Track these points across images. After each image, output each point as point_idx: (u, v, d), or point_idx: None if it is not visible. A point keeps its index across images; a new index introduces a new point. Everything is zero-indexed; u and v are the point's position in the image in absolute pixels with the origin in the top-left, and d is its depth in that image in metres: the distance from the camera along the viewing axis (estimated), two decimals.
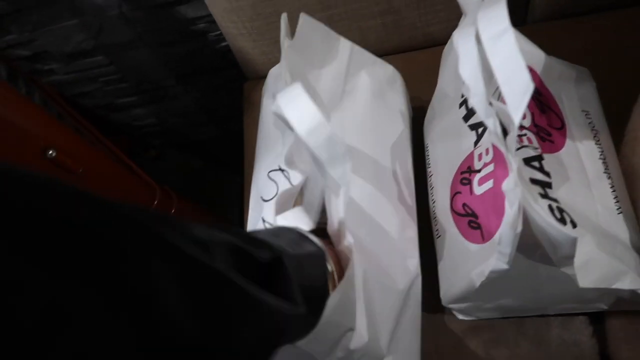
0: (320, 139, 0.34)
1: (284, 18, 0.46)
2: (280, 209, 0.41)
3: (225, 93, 1.11)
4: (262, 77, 0.77)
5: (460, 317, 0.53)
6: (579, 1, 0.66)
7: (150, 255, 0.20)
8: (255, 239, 0.29)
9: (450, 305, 0.52)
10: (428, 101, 0.60)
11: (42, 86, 1.02)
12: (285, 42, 0.44)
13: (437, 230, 0.52)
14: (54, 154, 0.56)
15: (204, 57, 1.00)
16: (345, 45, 0.55)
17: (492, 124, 0.34)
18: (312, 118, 0.34)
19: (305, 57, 0.49)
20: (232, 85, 1.09)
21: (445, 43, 0.57)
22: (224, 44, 0.96)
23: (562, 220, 0.40)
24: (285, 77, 0.41)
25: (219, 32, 0.92)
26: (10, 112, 0.53)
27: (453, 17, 0.68)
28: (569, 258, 0.36)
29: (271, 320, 0.26)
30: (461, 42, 0.34)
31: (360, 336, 0.38)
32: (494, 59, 0.32)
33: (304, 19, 0.49)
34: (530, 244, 0.40)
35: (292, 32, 0.49)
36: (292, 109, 0.34)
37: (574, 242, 0.34)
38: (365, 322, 0.38)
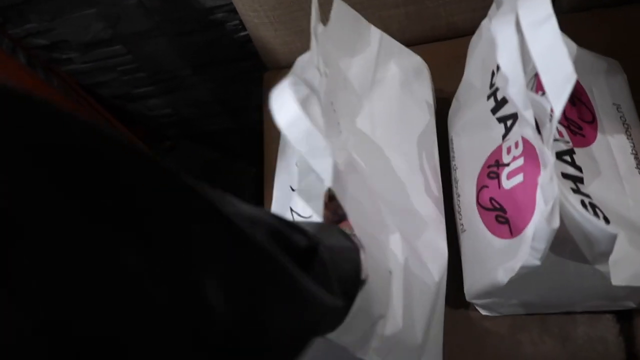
0: (299, 133, 0.33)
1: (315, 4, 0.45)
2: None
3: (241, 84, 1.10)
4: (283, 67, 0.77)
5: (484, 312, 0.53)
6: None
7: (195, 218, 0.19)
8: (292, 224, 0.28)
9: (474, 301, 0.51)
10: (451, 93, 0.59)
11: (60, 74, 1.02)
12: (317, 27, 0.43)
13: (462, 224, 0.52)
14: None
15: (222, 47, 0.99)
16: (375, 34, 0.54)
17: (530, 115, 0.33)
18: (291, 112, 0.33)
19: (337, 44, 0.48)
20: (249, 77, 1.08)
21: (468, 34, 0.56)
22: (242, 33, 0.95)
23: (596, 216, 0.39)
24: (319, 64, 0.40)
25: (237, 21, 0.91)
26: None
27: (478, 6, 0.66)
28: (606, 255, 0.35)
29: (311, 309, 0.25)
30: (499, 29, 0.33)
31: (394, 323, 0.37)
32: (534, 46, 0.31)
33: (337, 4, 0.48)
34: (561, 240, 0.39)
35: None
36: (275, 103, 0.34)
37: (613, 238, 0.33)
38: (402, 310, 0.37)
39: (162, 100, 1.19)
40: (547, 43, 0.30)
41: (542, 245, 0.35)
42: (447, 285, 0.50)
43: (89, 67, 1.04)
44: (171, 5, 0.88)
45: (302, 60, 0.50)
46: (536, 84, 0.39)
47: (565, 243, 0.40)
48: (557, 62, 0.30)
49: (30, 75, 0.66)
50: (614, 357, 0.49)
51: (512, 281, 0.42)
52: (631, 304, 0.47)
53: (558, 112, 0.31)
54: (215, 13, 0.90)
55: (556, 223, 0.33)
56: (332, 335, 0.34)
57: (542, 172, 0.35)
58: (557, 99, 0.30)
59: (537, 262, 0.37)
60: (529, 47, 0.31)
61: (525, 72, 0.35)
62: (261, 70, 0.84)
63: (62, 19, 0.91)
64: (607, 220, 0.40)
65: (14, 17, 0.91)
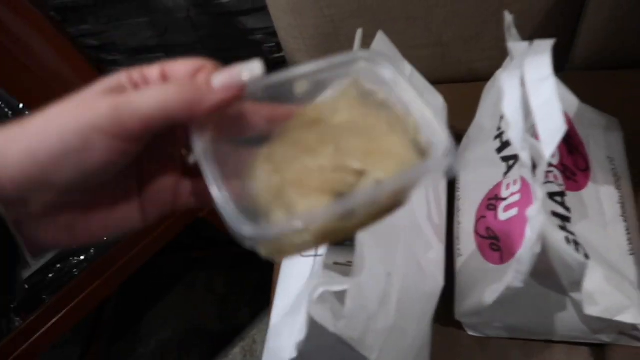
0: None
1: (359, 33, 0.51)
2: None
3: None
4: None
5: (470, 332, 0.57)
6: (617, 56, 0.70)
7: None
8: None
9: (463, 320, 0.56)
10: (463, 131, 0.65)
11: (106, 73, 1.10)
12: None
13: (459, 249, 0.57)
14: None
15: None
16: (407, 68, 0.60)
17: (525, 156, 0.39)
18: None
19: None
20: None
21: (486, 79, 0.63)
22: (277, 55, 1.02)
23: (577, 251, 0.44)
24: None
25: (273, 44, 0.99)
26: None
27: (498, 56, 0.73)
28: (578, 283, 0.41)
29: None
30: (507, 82, 0.39)
31: (387, 318, 0.42)
32: (534, 100, 0.37)
33: (380, 36, 0.54)
34: (544, 270, 0.44)
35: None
36: None
37: (583, 266, 0.38)
38: (395, 308, 0.43)
39: None
40: (545, 98, 0.36)
41: (524, 268, 0.40)
42: (439, 303, 0.55)
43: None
44: (216, 23, 0.96)
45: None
46: (535, 132, 0.45)
47: (548, 274, 0.45)
48: (551, 115, 0.36)
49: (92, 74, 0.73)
50: None
51: (497, 302, 0.47)
52: (605, 339, 0.52)
53: (547, 156, 0.36)
54: (254, 34, 0.98)
55: (537, 248, 0.38)
56: (337, 330, 0.40)
57: (532, 206, 0.40)
58: (548, 145, 0.36)
59: (520, 284, 0.42)
60: (530, 99, 0.37)
61: (526, 120, 0.41)
62: None
63: (115, 24, 1.00)
64: (587, 257, 0.45)
65: (73, 17, 0.99)
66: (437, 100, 0.63)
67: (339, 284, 0.41)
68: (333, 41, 0.73)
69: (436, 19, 0.68)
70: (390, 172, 0.24)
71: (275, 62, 1.05)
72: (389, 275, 0.44)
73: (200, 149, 0.23)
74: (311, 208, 0.23)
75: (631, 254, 0.50)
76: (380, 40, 0.54)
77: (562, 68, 0.74)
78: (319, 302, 0.41)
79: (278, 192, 0.24)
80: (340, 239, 0.25)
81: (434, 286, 0.53)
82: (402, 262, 0.47)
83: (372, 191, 0.23)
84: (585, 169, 0.53)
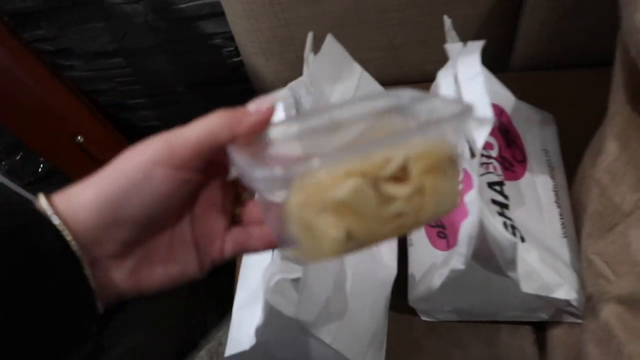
0: None
1: (310, 36, 0.54)
2: None
3: (231, 105, 1.19)
4: (270, 90, 0.86)
5: (424, 317, 0.61)
6: (553, 58, 0.75)
7: None
8: None
9: (415, 305, 0.59)
10: None
11: (62, 79, 1.09)
12: (309, 56, 0.52)
13: (410, 239, 0.60)
14: (81, 140, 0.63)
15: (216, 70, 1.08)
16: (357, 69, 0.63)
17: (462, 148, 0.43)
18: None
19: (323, 72, 0.57)
20: (239, 99, 1.17)
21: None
22: (236, 59, 1.04)
23: (513, 235, 0.48)
24: (307, 85, 0.49)
25: (232, 48, 1.01)
26: (50, 97, 0.60)
27: (446, 58, 0.77)
28: (512, 262, 0.44)
29: None
30: (443, 81, 0.43)
31: (341, 302, 0.45)
32: (466, 95, 0.40)
33: (329, 39, 0.57)
34: (486, 253, 0.48)
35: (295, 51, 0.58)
36: None
37: (514, 245, 0.42)
38: (349, 292, 0.45)
39: (153, 112, 1.26)
40: (475, 94, 0.40)
41: (464, 250, 0.43)
42: (393, 291, 0.58)
43: (90, 75, 1.12)
44: (175, 27, 0.97)
45: (290, 86, 0.60)
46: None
47: (489, 258, 0.49)
48: (481, 109, 0.40)
49: (50, 78, 0.74)
50: None
51: (444, 285, 0.50)
52: (544, 316, 0.56)
53: (480, 145, 0.40)
54: (213, 39, 1.00)
55: (474, 231, 0.41)
56: (293, 314, 0.42)
57: (469, 192, 0.44)
58: (480, 136, 0.40)
59: (462, 266, 0.46)
60: (462, 96, 0.41)
61: None
62: (251, 94, 0.93)
63: (71, 29, 0.99)
64: (523, 239, 0.49)
65: (27, 22, 0.98)
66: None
67: (295, 272, 0.43)
68: (288, 45, 0.76)
69: (388, 24, 0.72)
70: (419, 149, 0.23)
71: (234, 66, 1.06)
72: (342, 263, 0.47)
73: (237, 152, 0.25)
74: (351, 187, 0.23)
75: (564, 237, 0.54)
76: (330, 44, 0.57)
77: (504, 69, 0.79)
78: (276, 290, 0.43)
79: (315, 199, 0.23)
80: (378, 236, 0.24)
81: (387, 274, 0.56)
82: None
83: (397, 137, 0.23)
84: (522, 161, 0.58)
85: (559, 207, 0.56)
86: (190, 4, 0.91)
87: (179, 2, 0.91)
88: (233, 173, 0.29)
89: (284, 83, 0.72)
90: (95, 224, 0.25)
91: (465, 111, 0.24)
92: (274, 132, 0.27)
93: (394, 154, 0.23)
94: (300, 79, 0.52)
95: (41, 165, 0.94)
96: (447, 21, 0.53)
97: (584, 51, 0.74)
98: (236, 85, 1.13)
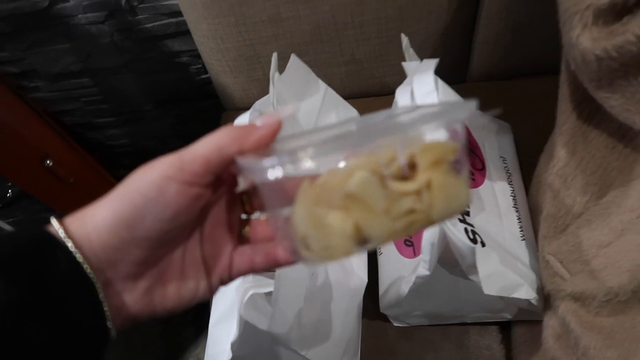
0: None
1: (274, 57, 0.56)
2: None
3: (199, 121, 1.20)
4: (239, 109, 0.88)
5: (396, 323, 0.63)
6: (509, 68, 0.79)
7: None
8: None
9: (387, 312, 0.61)
10: None
11: (27, 100, 1.08)
12: (275, 75, 0.54)
13: (379, 248, 0.63)
14: (50, 163, 0.64)
15: (184, 87, 1.09)
16: (321, 86, 0.66)
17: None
18: None
19: (289, 90, 0.59)
20: (207, 115, 1.18)
21: None
22: (203, 76, 1.05)
23: (474, 240, 0.51)
24: (274, 103, 0.51)
25: (200, 65, 1.02)
26: (17, 121, 0.60)
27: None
28: (473, 266, 0.47)
29: None
30: (400, 97, 0.45)
31: (312, 313, 0.47)
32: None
33: (293, 59, 0.59)
34: (449, 259, 0.51)
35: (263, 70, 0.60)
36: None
37: (472, 250, 0.44)
38: (320, 304, 0.47)
39: (122, 131, 1.26)
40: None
41: (427, 257, 0.46)
42: (365, 299, 0.60)
43: (55, 95, 1.11)
44: (142, 46, 0.98)
45: (257, 104, 0.62)
46: None
47: (454, 263, 0.51)
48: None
49: (16, 101, 0.73)
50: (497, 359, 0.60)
51: (412, 291, 0.53)
52: (508, 316, 0.59)
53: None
54: (180, 57, 1.01)
55: (436, 239, 0.44)
56: (266, 327, 0.43)
57: None
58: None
59: (427, 272, 0.48)
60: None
61: None
62: (219, 110, 0.94)
63: (35, 50, 0.99)
64: (483, 244, 0.52)
65: None
66: (352, 113, 0.68)
67: (268, 286, 0.45)
68: (255, 63, 0.78)
69: (347, 40, 0.75)
70: (423, 143, 0.24)
71: (202, 83, 1.07)
72: (313, 274, 0.48)
73: (242, 159, 0.25)
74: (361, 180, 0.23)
75: (523, 240, 0.57)
76: (294, 63, 0.59)
77: (463, 80, 0.83)
78: (250, 304, 0.44)
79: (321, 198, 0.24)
80: (389, 233, 0.24)
81: (358, 283, 0.58)
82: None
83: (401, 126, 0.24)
84: (482, 169, 0.61)
85: (517, 211, 0.59)
86: (156, 23, 0.92)
87: (144, 21, 0.92)
88: (242, 185, 0.29)
89: (253, 100, 0.74)
90: (109, 245, 0.25)
91: (467, 106, 0.24)
92: (280, 146, 0.27)
93: (398, 151, 0.23)
94: (266, 97, 0.54)
95: (9, 190, 0.93)
96: (405, 40, 0.55)
97: (538, 60, 0.78)
98: (204, 101, 1.14)
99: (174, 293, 0.28)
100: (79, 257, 0.24)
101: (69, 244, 0.24)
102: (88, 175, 0.80)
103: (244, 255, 0.30)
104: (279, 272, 0.45)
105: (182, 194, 0.25)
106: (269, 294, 0.45)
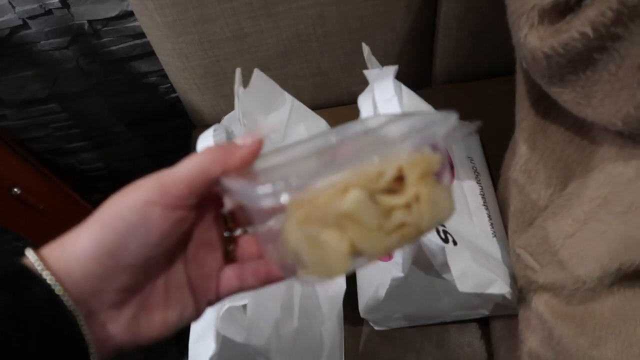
0: None
1: (238, 72, 0.57)
2: None
3: (171, 140, 1.19)
4: (209, 125, 0.88)
5: (376, 327, 0.64)
6: (471, 71, 0.81)
7: None
8: None
9: (367, 317, 0.62)
10: None
11: None
12: (239, 90, 0.55)
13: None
14: (18, 192, 0.63)
15: (154, 107, 1.09)
16: (287, 99, 0.66)
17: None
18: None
19: (255, 104, 0.60)
20: (179, 133, 1.18)
21: None
22: (172, 95, 1.05)
23: (446, 240, 0.52)
24: (240, 118, 0.51)
25: (168, 85, 1.02)
26: None
27: None
28: (445, 265, 0.48)
29: None
30: (362, 104, 0.46)
31: (291, 323, 0.47)
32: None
33: (256, 73, 0.60)
34: (424, 261, 0.52)
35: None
36: (200, 143, 0.45)
37: (442, 249, 0.45)
38: (298, 313, 0.47)
39: (94, 154, 1.25)
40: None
41: (400, 259, 0.47)
42: (346, 305, 0.61)
43: (23, 123, 1.10)
44: (108, 69, 0.98)
45: (226, 119, 0.62)
46: None
47: (425, 261, 0.52)
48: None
49: None
50: (478, 356, 0.61)
51: (389, 294, 0.53)
52: (486, 312, 0.60)
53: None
54: (148, 77, 1.00)
55: None
56: (243, 340, 0.43)
57: None
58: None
59: (401, 274, 0.49)
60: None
61: None
62: (190, 127, 0.94)
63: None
64: (455, 243, 0.53)
65: None
66: (320, 123, 0.69)
67: (243, 299, 0.45)
68: (222, 79, 0.78)
69: (311, 53, 0.76)
70: (410, 157, 0.24)
71: (172, 102, 1.07)
72: (289, 284, 0.49)
73: (231, 180, 0.25)
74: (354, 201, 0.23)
75: (494, 236, 0.58)
76: (257, 77, 0.60)
77: (428, 84, 0.85)
78: (226, 318, 0.45)
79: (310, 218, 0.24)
80: (383, 248, 0.24)
81: (337, 290, 0.58)
82: None
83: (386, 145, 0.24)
84: (450, 169, 0.62)
85: (487, 209, 0.61)
86: (121, 45, 0.92)
87: (109, 44, 0.92)
88: (227, 205, 0.28)
89: (222, 116, 0.75)
90: (92, 274, 0.24)
91: (449, 119, 0.25)
92: (262, 164, 0.27)
93: (385, 166, 0.23)
94: (232, 113, 0.55)
95: None
96: (366, 49, 0.57)
97: (500, 63, 0.80)
98: (175, 120, 1.14)
99: (159, 319, 0.27)
100: (58, 289, 0.23)
101: (47, 276, 0.23)
102: (59, 201, 0.79)
103: (231, 274, 0.30)
104: None
105: (165, 218, 0.25)
106: (245, 306, 0.45)
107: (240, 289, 0.30)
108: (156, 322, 0.27)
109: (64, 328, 0.24)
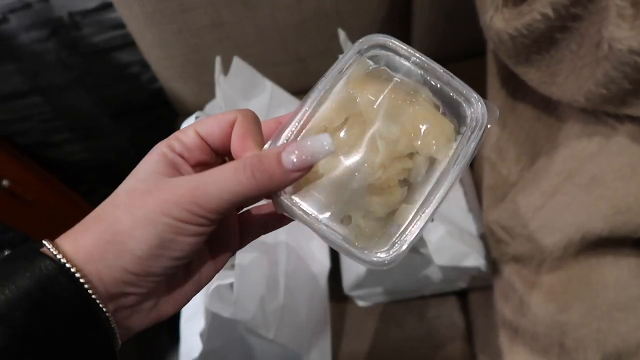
0: None
1: (218, 60, 0.58)
2: None
3: (156, 129, 1.20)
4: (192, 113, 0.89)
5: (360, 303, 0.66)
6: (445, 53, 0.83)
7: None
8: None
9: (351, 293, 0.64)
10: None
11: None
12: (220, 78, 0.56)
13: None
14: (7, 183, 0.64)
15: (137, 97, 1.10)
16: (267, 85, 0.68)
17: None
18: None
19: (236, 91, 0.62)
20: (163, 122, 1.18)
21: None
22: (155, 85, 1.06)
23: None
24: (222, 105, 0.53)
25: (150, 74, 1.03)
26: None
27: None
28: (421, 239, 0.50)
29: None
30: None
31: (276, 300, 0.49)
32: None
33: (236, 60, 0.61)
34: None
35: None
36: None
37: None
38: (283, 290, 0.50)
39: (80, 146, 1.25)
40: None
41: None
42: (331, 283, 0.63)
43: (7, 117, 1.10)
44: (90, 61, 0.98)
45: (211, 103, 0.64)
46: None
47: None
48: None
49: None
50: (457, 327, 0.64)
51: (369, 270, 0.56)
52: (463, 285, 0.63)
53: None
54: (130, 67, 1.01)
55: None
56: (230, 315, 0.46)
57: None
58: None
59: None
60: None
61: None
62: (174, 116, 0.95)
63: None
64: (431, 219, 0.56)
65: None
66: None
67: (230, 277, 0.47)
68: (203, 67, 0.79)
69: (290, 39, 0.77)
70: (440, 144, 0.27)
71: (155, 91, 1.08)
72: (274, 263, 0.51)
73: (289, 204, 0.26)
74: (386, 204, 0.26)
75: (469, 212, 0.61)
76: (237, 64, 0.61)
77: None
78: (214, 296, 0.47)
79: (352, 202, 0.27)
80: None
81: (321, 268, 0.61)
82: (286, 249, 0.54)
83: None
84: None
85: (462, 186, 0.63)
86: (102, 36, 0.92)
87: (90, 36, 0.92)
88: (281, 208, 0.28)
89: (205, 103, 0.76)
90: (124, 281, 0.24)
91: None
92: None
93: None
94: (214, 101, 0.56)
95: None
96: (342, 33, 0.58)
97: (474, 44, 0.82)
98: (160, 108, 1.14)
99: (180, 295, 0.28)
100: (91, 292, 0.24)
101: (80, 279, 0.24)
102: (47, 192, 0.80)
103: (251, 218, 0.30)
104: (239, 262, 0.47)
105: (196, 234, 0.25)
106: (232, 284, 0.48)
107: (265, 228, 0.30)
108: (176, 299, 0.27)
109: (92, 325, 0.24)
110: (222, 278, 0.47)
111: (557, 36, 0.47)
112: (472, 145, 0.28)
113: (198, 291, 0.29)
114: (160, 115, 1.16)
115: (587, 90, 0.46)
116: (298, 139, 0.28)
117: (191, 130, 0.27)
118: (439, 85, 0.30)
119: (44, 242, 0.25)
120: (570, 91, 0.48)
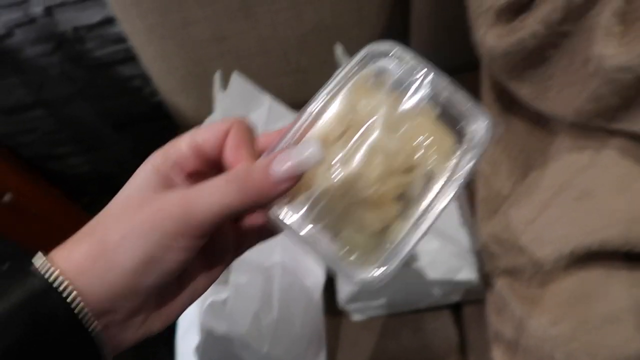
0: None
1: (217, 76, 0.59)
2: None
3: (157, 141, 1.20)
4: (193, 126, 0.90)
5: (356, 317, 0.66)
6: (443, 65, 0.84)
7: None
8: None
9: (346, 307, 0.64)
10: None
11: None
12: (219, 93, 0.57)
13: None
14: (10, 197, 0.65)
15: (139, 110, 1.11)
16: (266, 99, 0.69)
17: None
18: None
19: (234, 106, 0.63)
20: (163, 134, 1.19)
21: None
22: (157, 98, 1.07)
23: None
24: (221, 117, 0.54)
25: (152, 88, 1.04)
26: None
27: None
28: (416, 253, 0.51)
29: None
30: None
31: (270, 313, 0.50)
32: None
33: (234, 76, 0.63)
34: None
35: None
36: None
37: None
38: (278, 304, 0.50)
39: (82, 158, 1.26)
40: None
41: None
42: (326, 297, 0.63)
43: (11, 129, 1.11)
44: (92, 75, 1.00)
45: (210, 118, 0.65)
46: None
47: None
48: None
49: None
50: (452, 340, 0.64)
51: None
52: (457, 298, 0.63)
53: None
54: (132, 81, 1.02)
55: None
56: (224, 331, 0.46)
57: None
58: None
59: None
60: None
61: None
62: (175, 128, 0.96)
63: None
64: None
65: None
66: None
67: (224, 292, 0.48)
68: (205, 80, 0.80)
69: (291, 51, 0.78)
70: (439, 159, 0.27)
71: (156, 104, 1.09)
72: (268, 277, 0.51)
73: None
74: (380, 219, 0.26)
75: (462, 226, 0.61)
76: (235, 80, 0.62)
77: None
78: (209, 312, 0.47)
79: (345, 216, 0.26)
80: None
81: (315, 281, 0.61)
82: (280, 262, 0.54)
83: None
84: None
85: (457, 199, 0.64)
86: (105, 50, 0.94)
87: (93, 50, 0.94)
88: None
89: (205, 116, 0.77)
90: (114, 296, 0.24)
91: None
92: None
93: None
94: (212, 115, 0.57)
95: None
96: (338, 48, 0.59)
97: (471, 57, 0.83)
98: (161, 121, 1.15)
99: (172, 310, 0.27)
100: (80, 306, 0.24)
101: (69, 292, 0.23)
102: (50, 205, 0.81)
103: (246, 230, 0.30)
104: (233, 278, 0.48)
105: (186, 249, 0.25)
106: (226, 300, 0.48)
107: (260, 236, 0.30)
108: (167, 314, 0.27)
109: (81, 341, 0.24)
110: (216, 293, 0.48)
111: (549, 52, 0.48)
112: (472, 161, 0.27)
113: (193, 301, 0.28)
114: (162, 127, 1.17)
115: (578, 106, 0.47)
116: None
117: (187, 138, 0.27)
118: (442, 97, 0.29)
119: (37, 255, 0.25)
120: (562, 106, 0.49)
